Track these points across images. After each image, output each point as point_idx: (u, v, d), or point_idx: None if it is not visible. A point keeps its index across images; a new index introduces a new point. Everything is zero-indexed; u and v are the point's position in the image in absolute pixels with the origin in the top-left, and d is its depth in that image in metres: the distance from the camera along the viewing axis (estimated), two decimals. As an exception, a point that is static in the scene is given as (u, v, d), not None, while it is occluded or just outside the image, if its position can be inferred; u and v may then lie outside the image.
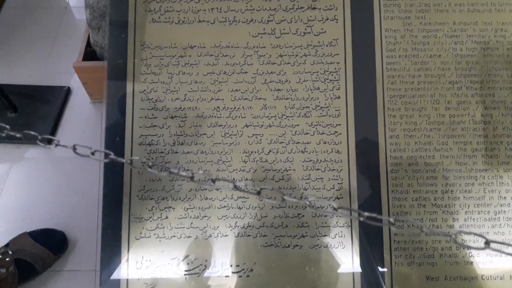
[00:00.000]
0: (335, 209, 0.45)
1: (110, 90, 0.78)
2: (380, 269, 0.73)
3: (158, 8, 0.79)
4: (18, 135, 0.45)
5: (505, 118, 0.76)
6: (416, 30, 0.77)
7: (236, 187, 0.40)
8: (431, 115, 0.75)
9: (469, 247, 0.38)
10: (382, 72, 0.76)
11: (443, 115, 0.76)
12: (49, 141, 0.48)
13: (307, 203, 0.39)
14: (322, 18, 0.78)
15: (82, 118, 1.43)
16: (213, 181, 0.41)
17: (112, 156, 0.41)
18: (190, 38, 0.78)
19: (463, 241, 0.73)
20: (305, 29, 0.78)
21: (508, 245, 0.39)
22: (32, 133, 0.41)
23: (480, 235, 0.38)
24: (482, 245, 0.37)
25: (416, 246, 0.73)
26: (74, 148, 0.41)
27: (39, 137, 0.41)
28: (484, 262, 0.73)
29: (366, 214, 0.39)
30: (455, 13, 0.78)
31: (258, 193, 0.39)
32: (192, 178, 0.40)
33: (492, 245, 0.39)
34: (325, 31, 0.78)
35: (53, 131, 1.38)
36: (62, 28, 1.72)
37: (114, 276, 0.74)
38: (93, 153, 0.41)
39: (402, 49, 0.77)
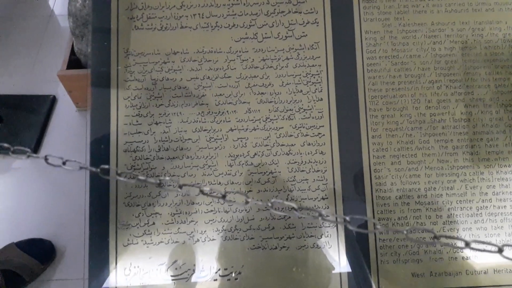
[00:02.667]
0: (320, 215, 0.46)
1: (94, 98, 0.78)
2: (367, 268, 0.74)
3: (141, 15, 0.79)
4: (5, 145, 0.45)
5: (484, 116, 0.77)
6: (396, 31, 0.79)
7: (202, 192, 0.41)
8: (412, 115, 0.77)
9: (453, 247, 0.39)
10: (363, 73, 0.78)
11: (424, 114, 0.77)
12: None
13: (269, 204, 0.40)
14: (303, 21, 0.79)
15: (68, 127, 1.42)
16: (180, 186, 0.41)
17: (83, 165, 0.41)
18: (173, 44, 0.79)
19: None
20: (287, 33, 0.79)
21: (487, 243, 0.40)
22: (5, 145, 0.41)
23: (461, 239, 0.38)
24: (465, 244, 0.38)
25: (401, 244, 0.74)
26: (45, 159, 0.41)
27: (12, 149, 0.41)
28: (468, 258, 0.74)
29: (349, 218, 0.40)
30: (433, 13, 0.80)
31: (224, 197, 0.40)
32: (159, 184, 0.41)
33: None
34: (306, 35, 0.79)
35: (39, 140, 1.38)
36: (46, 36, 1.71)
37: (103, 284, 0.74)
38: (64, 163, 0.41)
39: (382, 50, 0.78)
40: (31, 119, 1.42)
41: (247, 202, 0.40)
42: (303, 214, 0.41)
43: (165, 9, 0.80)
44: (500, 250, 0.35)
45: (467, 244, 0.36)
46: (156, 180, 0.40)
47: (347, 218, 0.40)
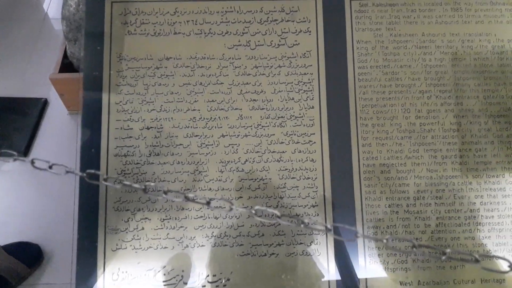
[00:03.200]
0: (302, 222, 0.46)
1: (86, 102, 0.78)
2: (356, 275, 0.74)
3: (134, 20, 0.80)
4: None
5: (473, 126, 0.78)
6: (387, 42, 0.80)
7: (186, 198, 0.41)
8: (402, 124, 0.78)
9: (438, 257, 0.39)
10: (354, 83, 0.78)
11: (414, 124, 0.78)
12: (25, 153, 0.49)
13: (253, 212, 0.40)
14: (296, 30, 0.80)
15: (59, 130, 1.42)
16: (165, 192, 0.41)
17: (69, 169, 0.41)
18: (166, 50, 0.79)
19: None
20: (279, 41, 0.80)
21: (465, 253, 0.40)
22: (-8, 149, 0.41)
23: (438, 248, 0.39)
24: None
25: (390, 252, 0.75)
26: (32, 162, 0.41)
27: (-3, 152, 0.41)
28: (456, 267, 0.75)
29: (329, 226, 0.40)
30: (424, 25, 0.81)
31: (208, 203, 0.41)
32: (144, 190, 0.41)
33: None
34: (298, 43, 0.79)
35: (30, 143, 1.37)
36: (40, 39, 1.71)
37: (90, 288, 0.73)
38: (51, 167, 0.41)
39: (373, 60, 0.79)
40: (22, 121, 1.41)
41: (231, 209, 0.41)
42: (287, 222, 0.41)
43: (158, 15, 0.80)
44: (476, 261, 0.35)
45: (444, 254, 0.36)
46: (142, 185, 0.40)
47: (329, 226, 0.41)
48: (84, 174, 0.42)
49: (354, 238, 0.39)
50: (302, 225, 0.39)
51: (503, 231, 0.76)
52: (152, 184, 0.41)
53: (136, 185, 0.41)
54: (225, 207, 0.46)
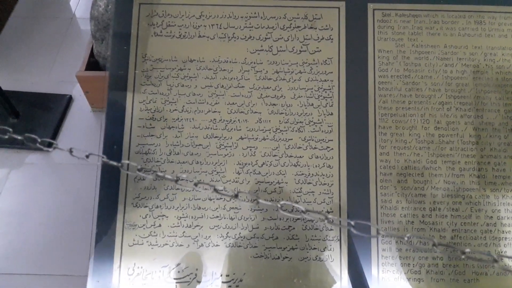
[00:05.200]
0: (326, 218, 0.47)
1: (110, 100, 0.81)
2: (368, 284, 0.74)
3: (161, 22, 0.82)
4: (19, 137, 0.47)
5: (493, 140, 0.78)
6: (408, 52, 0.80)
7: (215, 190, 0.42)
8: (421, 134, 0.78)
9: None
10: (374, 91, 0.79)
11: (433, 135, 0.78)
12: (49, 145, 0.51)
13: (278, 205, 0.41)
14: (318, 37, 0.81)
15: (83, 126, 1.45)
16: (196, 184, 0.43)
17: (105, 159, 0.43)
18: (190, 52, 0.81)
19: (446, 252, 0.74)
20: (301, 47, 0.81)
21: (483, 253, 0.40)
22: (33, 136, 0.43)
23: (458, 247, 0.39)
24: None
25: (403, 262, 0.75)
26: (70, 151, 0.43)
27: (39, 140, 0.43)
28: (470, 280, 0.74)
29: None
30: (447, 36, 0.81)
31: (236, 196, 0.42)
32: (176, 181, 0.42)
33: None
34: (320, 50, 0.80)
35: (53, 138, 1.41)
36: (67, 38, 1.76)
37: (106, 282, 0.75)
38: (87, 156, 0.43)
39: (394, 69, 0.79)
40: (47, 117, 1.46)
41: (257, 203, 0.42)
42: (310, 217, 0.42)
43: (184, 17, 0.82)
44: (495, 261, 0.35)
45: (464, 253, 0.37)
46: (174, 176, 0.42)
47: (352, 223, 0.42)
48: (120, 164, 0.44)
49: (377, 235, 0.40)
50: (325, 221, 0.40)
51: (520, 247, 0.75)
52: (184, 175, 0.43)
53: (169, 177, 0.43)
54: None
